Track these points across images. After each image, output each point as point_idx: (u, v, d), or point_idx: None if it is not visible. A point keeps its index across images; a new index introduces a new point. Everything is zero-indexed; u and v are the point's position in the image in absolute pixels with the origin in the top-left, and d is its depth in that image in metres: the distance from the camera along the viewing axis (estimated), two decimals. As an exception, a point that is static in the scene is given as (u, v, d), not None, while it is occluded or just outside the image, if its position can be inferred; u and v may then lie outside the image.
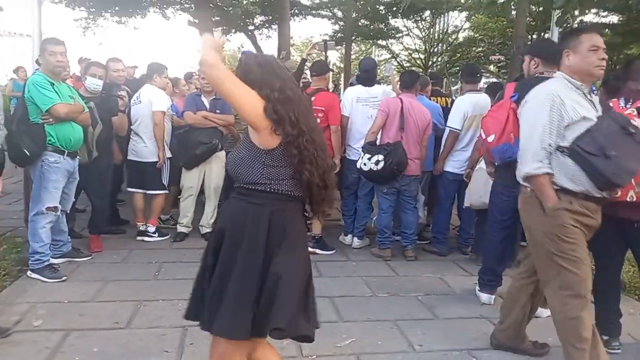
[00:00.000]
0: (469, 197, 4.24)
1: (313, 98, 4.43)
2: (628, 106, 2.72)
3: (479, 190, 4.02)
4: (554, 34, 6.97)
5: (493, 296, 3.57)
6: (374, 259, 4.49)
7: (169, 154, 4.82)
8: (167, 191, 4.91)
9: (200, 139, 4.68)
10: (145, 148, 4.69)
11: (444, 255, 4.63)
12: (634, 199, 2.59)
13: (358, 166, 4.37)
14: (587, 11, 8.94)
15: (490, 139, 3.33)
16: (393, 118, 4.36)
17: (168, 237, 4.86)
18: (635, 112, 2.65)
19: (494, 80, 18.12)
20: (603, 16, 15.55)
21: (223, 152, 4.84)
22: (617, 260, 2.97)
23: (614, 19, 15.89)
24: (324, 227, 4.89)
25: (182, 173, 4.85)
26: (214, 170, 4.82)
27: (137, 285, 3.67)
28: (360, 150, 4.45)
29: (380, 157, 4.22)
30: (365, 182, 4.68)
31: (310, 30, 65.54)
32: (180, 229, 4.88)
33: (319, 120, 4.30)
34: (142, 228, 4.85)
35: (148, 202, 4.86)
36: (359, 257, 4.53)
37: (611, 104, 2.79)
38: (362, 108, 4.70)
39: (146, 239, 4.78)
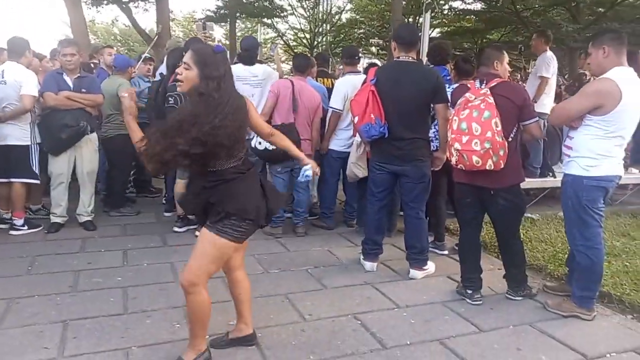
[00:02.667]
0: (347, 170, 4.56)
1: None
2: (483, 86, 3.07)
3: (350, 163, 4.45)
4: (427, 19, 7.51)
5: (375, 264, 3.85)
6: (266, 237, 4.57)
7: (39, 139, 4.40)
8: (38, 180, 4.49)
9: (65, 121, 4.29)
10: (12, 130, 4.23)
11: (331, 229, 4.87)
12: (492, 167, 2.96)
13: (252, 145, 4.38)
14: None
15: (356, 119, 3.62)
16: (284, 100, 4.43)
17: (41, 228, 4.48)
18: (489, 92, 3.00)
19: (374, 61, 18.97)
20: (468, 3, 16.97)
21: (94, 135, 4.54)
22: (477, 223, 3.37)
23: (477, 6, 17.37)
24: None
25: (49, 159, 4.46)
26: (85, 155, 4.51)
27: (7, 282, 3.36)
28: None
29: None
30: (257, 161, 4.69)
31: (192, 4, 62.46)
32: (54, 219, 4.50)
33: None
34: (5, 216, 4.41)
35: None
36: (251, 237, 4.56)
37: (469, 85, 3.13)
38: (243, 87, 4.66)
39: (14, 232, 4.35)
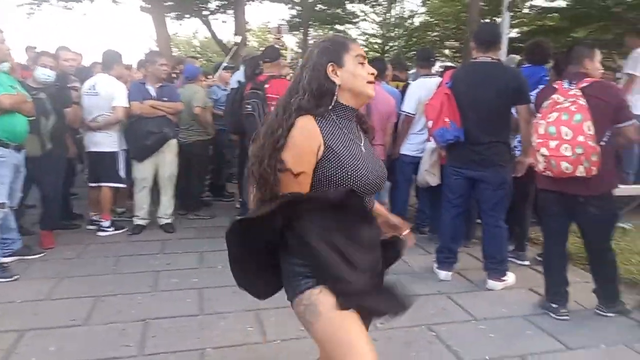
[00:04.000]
0: (417, 176, 4.42)
1: (267, 86, 4.36)
2: (572, 87, 2.83)
3: (422, 169, 4.31)
4: (506, 19, 7.15)
5: (450, 273, 3.68)
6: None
7: (125, 146, 4.69)
8: (124, 185, 4.78)
9: (148, 128, 4.54)
10: (103, 137, 4.53)
11: (404, 236, 4.73)
12: (584, 174, 2.72)
13: None
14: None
15: (430, 124, 3.52)
16: None
17: (125, 230, 4.75)
18: (580, 93, 2.76)
19: (449, 64, 18.45)
20: (551, 0, 16.04)
21: (174, 141, 4.75)
22: (563, 232, 3.12)
23: (562, 3, 16.39)
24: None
25: (133, 165, 4.71)
26: (167, 160, 4.72)
27: (93, 280, 3.57)
28: None
29: None
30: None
31: (267, 15, 64.65)
32: (137, 221, 4.76)
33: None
34: (94, 218, 4.72)
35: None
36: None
37: (556, 86, 2.91)
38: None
39: (101, 233, 4.65)
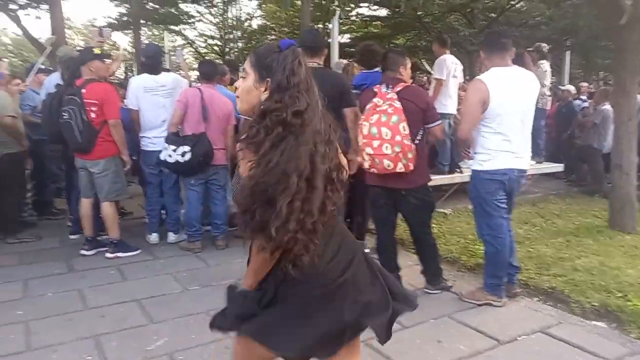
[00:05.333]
0: None
1: (83, 90, 3.96)
2: (389, 91, 3.16)
3: None
4: (335, 25, 7.64)
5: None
6: (183, 253, 4.38)
7: None
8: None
9: None
10: None
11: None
12: (403, 170, 3.06)
13: (162, 158, 4.19)
14: (359, 4, 10.00)
15: None
16: (193, 109, 4.27)
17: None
18: (396, 96, 3.10)
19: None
20: (374, 10, 17.56)
21: None
22: (391, 222, 3.47)
23: (383, 12, 18.05)
24: (124, 227, 4.59)
25: None
26: None
27: None
28: (162, 141, 4.26)
29: (187, 148, 4.14)
30: (168, 174, 4.51)
31: (92, 11, 59.10)
32: None
33: (94, 116, 3.95)
34: None
35: None
36: (167, 254, 4.38)
37: (376, 90, 3.22)
38: (152, 98, 4.46)
39: None
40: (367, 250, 4.32)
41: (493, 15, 14.38)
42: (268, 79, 1.47)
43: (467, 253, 4.23)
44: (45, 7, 12.73)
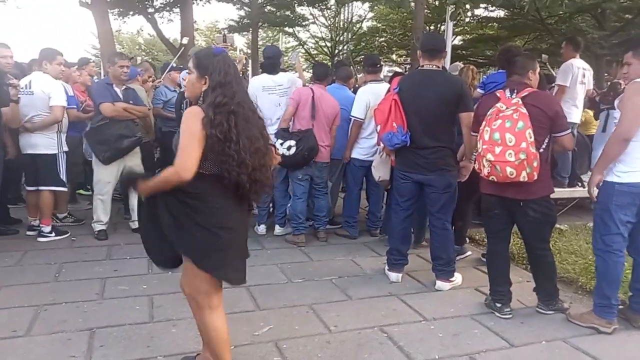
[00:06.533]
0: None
1: None
2: (513, 96, 2.99)
3: (372, 166, 4.41)
4: (449, 27, 7.43)
5: (400, 274, 3.78)
6: (288, 246, 4.55)
7: (65, 148, 4.48)
8: (65, 188, 4.58)
9: (121, 132, 4.40)
10: (40, 139, 4.31)
11: (354, 238, 4.82)
12: (526, 179, 2.88)
13: None
14: (476, 6, 9.63)
15: (378, 128, 3.63)
16: (304, 107, 4.45)
17: (67, 235, 4.54)
18: (521, 102, 2.93)
19: (396, 69, 18.92)
20: (491, 11, 16.81)
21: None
22: (505, 234, 3.29)
23: (500, 13, 17.22)
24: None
25: (97, 168, 4.50)
26: (134, 163, 4.56)
27: (34, 289, 3.40)
28: (273, 136, 4.48)
29: (292, 142, 4.33)
30: (279, 169, 4.71)
31: (214, 14, 63.59)
32: (99, 227, 4.57)
33: None
34: (34, 224, 4.51)
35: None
36: (273, 245, 4.57)
37: (498, 95, 3.06)
38: (269, 96, 4.70)
39: (42, 239, 4.42)
40: (464, 256, 4.23)
41: (629, 16, 13.04)
42: (206, 76, 2.03)
43: (587, 274, 3.87)
44: (177, 10, 13.92)
